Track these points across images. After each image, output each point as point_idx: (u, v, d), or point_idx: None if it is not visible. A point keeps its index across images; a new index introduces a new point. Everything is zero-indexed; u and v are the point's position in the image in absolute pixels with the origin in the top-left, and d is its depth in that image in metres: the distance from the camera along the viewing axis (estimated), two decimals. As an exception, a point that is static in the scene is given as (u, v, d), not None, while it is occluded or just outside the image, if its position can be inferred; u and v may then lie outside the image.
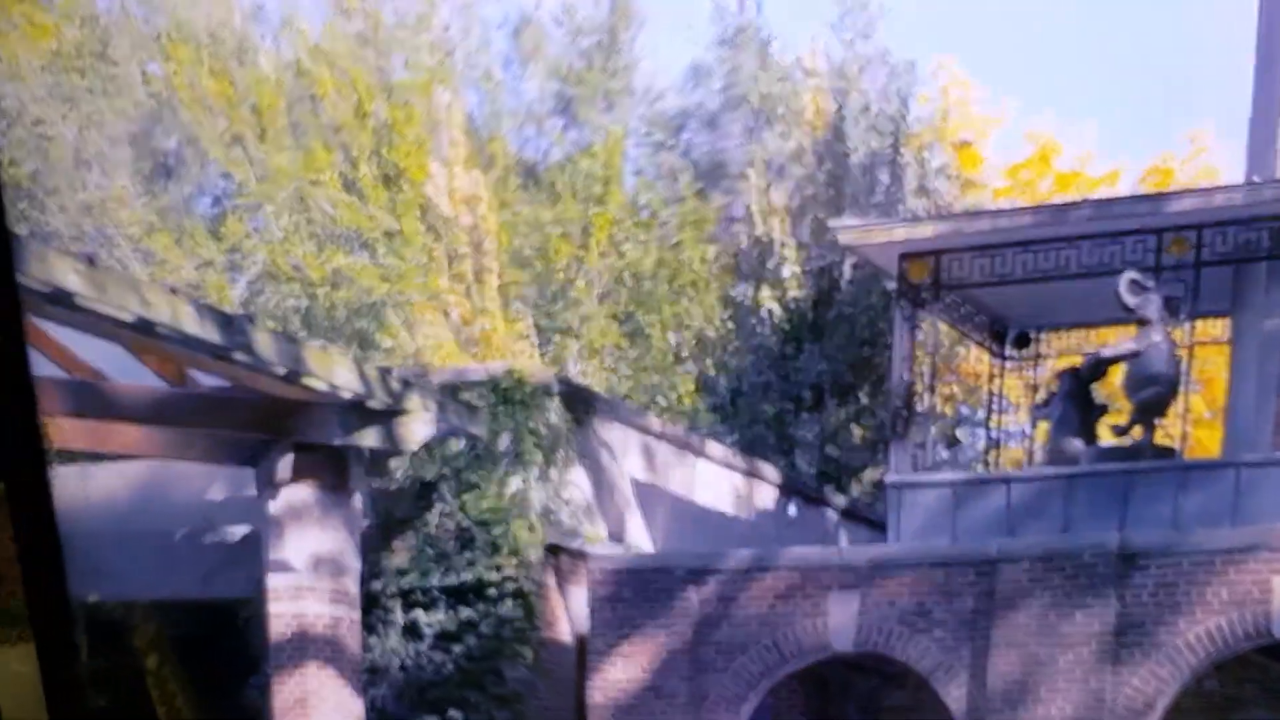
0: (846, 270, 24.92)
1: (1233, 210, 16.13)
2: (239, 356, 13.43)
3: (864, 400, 24.64)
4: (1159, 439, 16.31)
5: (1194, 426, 18.59)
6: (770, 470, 20.71)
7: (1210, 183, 21.14)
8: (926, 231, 17.45)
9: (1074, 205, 17.59)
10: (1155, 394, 16.08)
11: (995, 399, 19.12)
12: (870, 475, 23.93)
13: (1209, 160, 27.45)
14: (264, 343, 13.79)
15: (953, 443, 23.52)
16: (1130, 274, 16.19)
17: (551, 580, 17.06)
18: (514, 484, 16.75)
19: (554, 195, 25.31)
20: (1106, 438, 16.87)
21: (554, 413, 17.01)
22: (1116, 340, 16.96)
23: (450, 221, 23.83)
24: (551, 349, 24.09)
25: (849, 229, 18.00)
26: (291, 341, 14.67)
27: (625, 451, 18.34)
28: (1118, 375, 17.04)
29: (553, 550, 16.95)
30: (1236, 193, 16.32)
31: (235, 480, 16.82)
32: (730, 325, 25.46)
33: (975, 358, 23.04)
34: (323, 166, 24.28)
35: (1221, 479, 15.46)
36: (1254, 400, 16.24)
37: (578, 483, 17.58)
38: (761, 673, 15.56)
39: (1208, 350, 18.30)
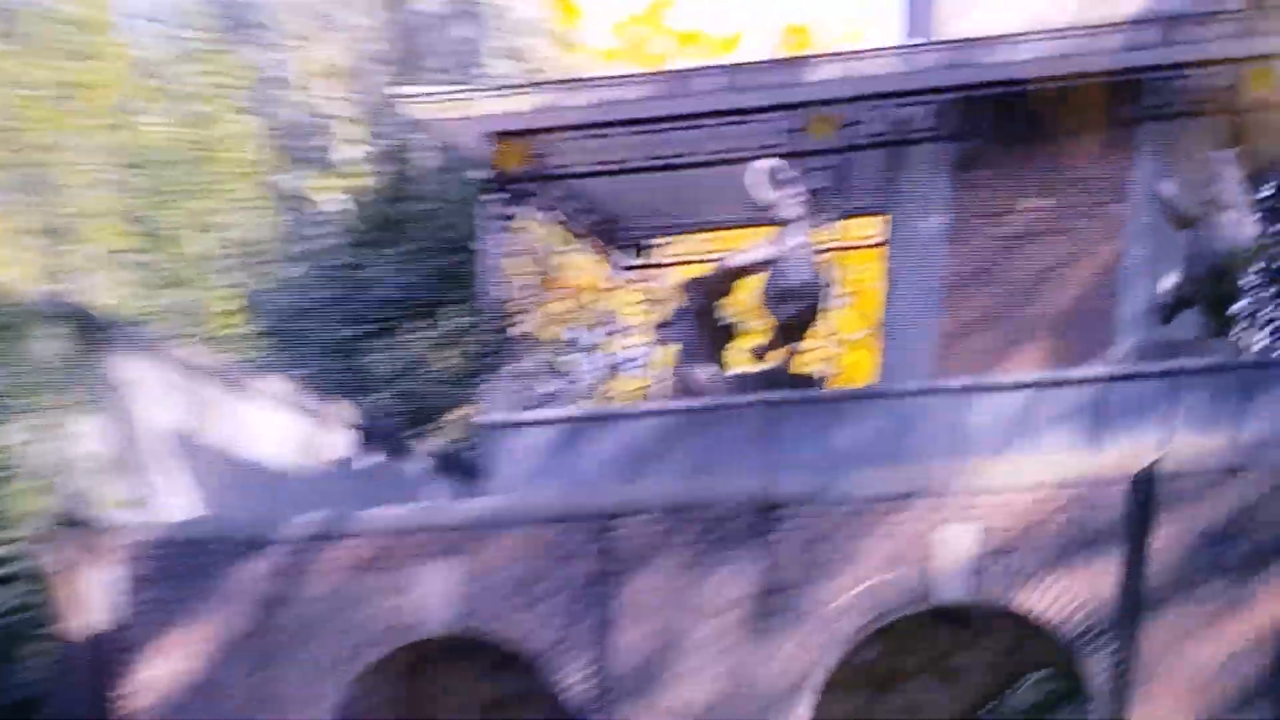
0: (423, 153, 25.08)
1: (887, 80, 17.05)
2: None
3: (453, 321, 24.77)
4: (804, 364, 17.17)
5: (846, 348, 19.58)
6: (341, 412, 20.90)
7: (859, 46, 22.11)
8: (518, 104, 17.79)
9: (696, 72, 18.11)
10: (798, 310, 16.88)
11: (611, 318, 19.78)
12: (465, 414, 24.08)
13: (857, 17, 28.74)
14: None
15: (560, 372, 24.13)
16: (765, 161, 16.89)
17: (67, 559, 16.99)
18: (10, 435, 16.62)
19: (34, 49, 24.71)
20: (743, 363, 17.65)
21: (53, 341, 16.85)
22: (750, 245, 17.67)
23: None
24: (45, 257, 23.70)
25: (420, 100, 18.24)
26: None
27: (152, 391, 18.28)
28: (754, 287, 17.60)
29: (67, 522, 16.91)
30: (891, 58, 17.20)
31: None
32: (280, 225, 25.33)
33: (587, 267, 23.52)
34: None
35: (878, 411, 16.47)
36: (913, 315, 17.33)
37: (93, 433, 17.57)
38: (338, 662, 15.98)
39: (860, 256, 19.25)
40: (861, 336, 22.11)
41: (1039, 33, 16.86)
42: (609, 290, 20.09)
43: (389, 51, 26.24)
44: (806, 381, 17.17)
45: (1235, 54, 16.53)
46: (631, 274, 19.97)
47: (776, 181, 16.91)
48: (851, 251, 18.92)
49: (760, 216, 17.32)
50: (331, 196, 25.49)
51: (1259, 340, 19.73)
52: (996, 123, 17.18)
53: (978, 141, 17.31)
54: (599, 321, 19.68)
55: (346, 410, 21.34)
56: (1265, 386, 15.86)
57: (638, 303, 20.26)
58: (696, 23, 29.99)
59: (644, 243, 19.92)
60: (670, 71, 19.99)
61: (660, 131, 17.76)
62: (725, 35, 29.70)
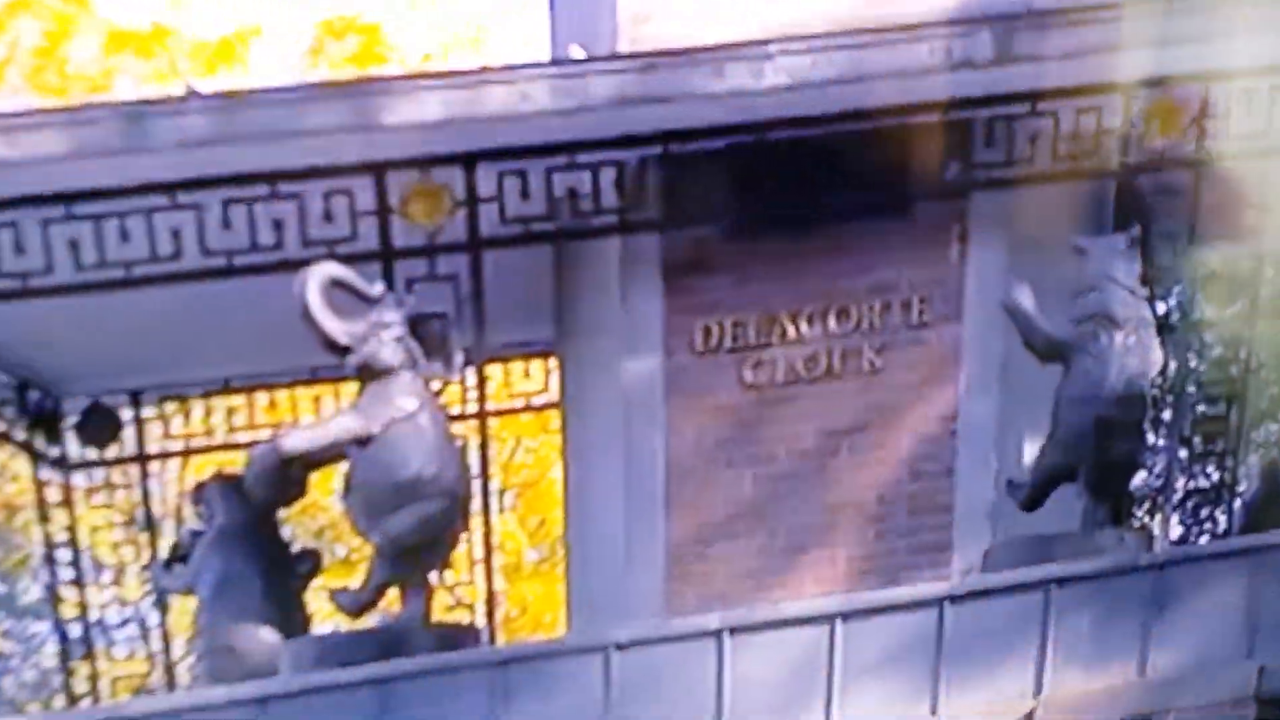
0: None
1: (534, 123, 17.64)
2: None
3: None
4: (444, 609, 17.70)
5: (511, 579, 20.04)
6: None
7: (480, 59, 22.39)
8: None
9: (173, 104, 18.08)
10: (420, 521, 17.35)
11: (62, 552, 20.11)
12: None
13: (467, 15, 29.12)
14: None
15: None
16: (322, 267, 17.29)
17: None
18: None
19: None
20: (335, 615, 17.93)
21: None
22: (321, 414, 17.95)
23: None
24: None
25: None
26: None
27: None
28: (332, 485, 17.80)
29: None
30: (539, 83, 17.65)
31: None
32: None
33: (4, 468, 23.35)
34: None
35: (577, 676, 16.82)
36: (619, 518, 18.47)
37: None
38: None
39: (521, 426, 19.74)
40: (537, 558, 22.39)
41: (794, 40, 17.50)
42: (57, 505, 20.41)
43: None
44: (450, 637, 17.65)
45: (1120, 77, 17.61)
46: (93, 474, 20.09)
47: (354, 299, 17.08)
48: (507, 418, 19.36)
49: (331, 365, 17.45)
50: None
51: (1170, 528, 20.46)
52: (735, 196, 18.19)
53: (704, 229, 18.31)
54: (43, 561, 19.58)
55: None
56: (1180, 595, 16.52)
57: (114, 524, 20.34)
58: (161, 11, 30.20)
59: (108, 418, 20.38)
60: (111, 104, 19.35)
61: (101, 217, 18.07)
62: (223, 35, 29.75)
